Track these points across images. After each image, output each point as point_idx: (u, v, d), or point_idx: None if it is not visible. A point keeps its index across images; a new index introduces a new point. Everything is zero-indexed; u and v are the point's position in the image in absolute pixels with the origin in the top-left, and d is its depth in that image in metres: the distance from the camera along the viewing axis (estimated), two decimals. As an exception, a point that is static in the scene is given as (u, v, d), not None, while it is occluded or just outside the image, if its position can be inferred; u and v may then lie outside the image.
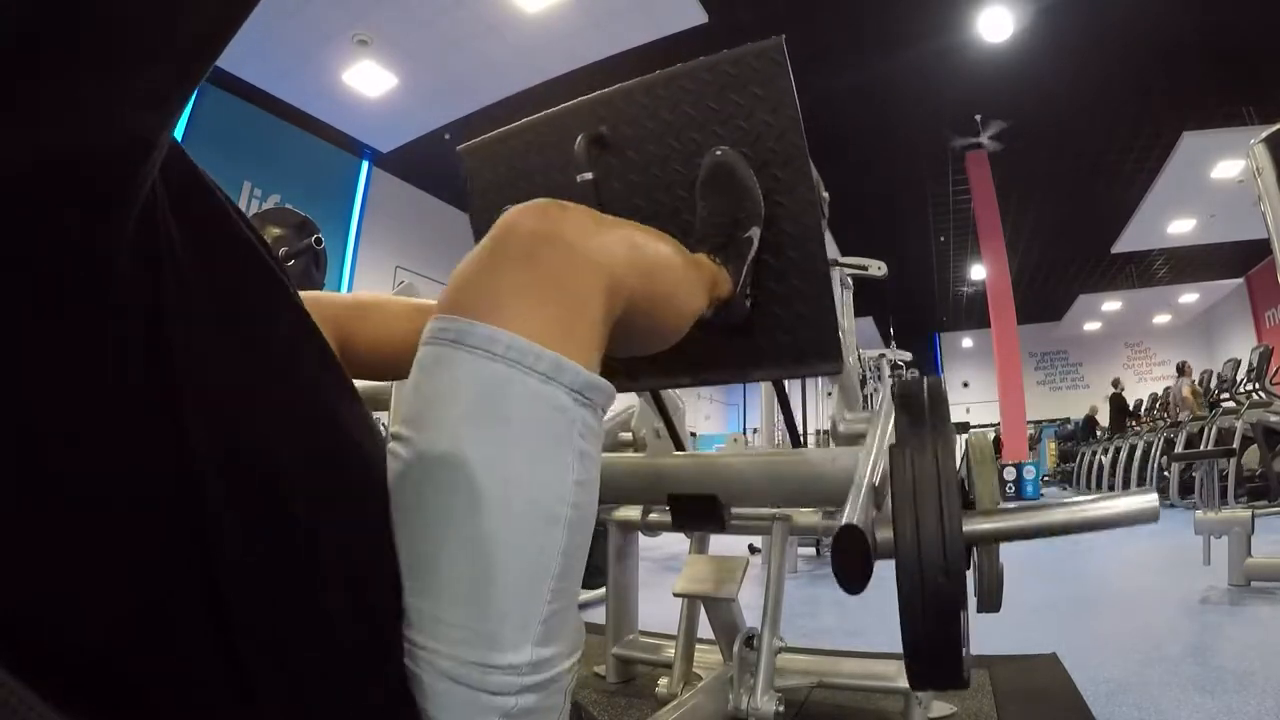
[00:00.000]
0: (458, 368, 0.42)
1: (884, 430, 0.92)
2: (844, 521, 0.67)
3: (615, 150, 0.96)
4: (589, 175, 0.94)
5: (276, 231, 1.83)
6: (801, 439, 1.74)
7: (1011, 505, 0.76)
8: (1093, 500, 0.72)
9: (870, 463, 0.83)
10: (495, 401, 0.42)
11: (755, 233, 0.86)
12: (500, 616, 0.41)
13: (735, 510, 1.43)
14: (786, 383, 1.14)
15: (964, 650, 0.68)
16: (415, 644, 0.41)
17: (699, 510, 1.03)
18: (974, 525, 0.69)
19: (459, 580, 0.41)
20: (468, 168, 1.10)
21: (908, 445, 0.71)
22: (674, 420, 1.27)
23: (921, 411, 0.76)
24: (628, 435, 1.39)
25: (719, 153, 0.88)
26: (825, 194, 0.96)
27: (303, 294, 0.66)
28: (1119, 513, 0.70)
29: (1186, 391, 6.83)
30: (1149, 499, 0.69)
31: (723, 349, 0.93)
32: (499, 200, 1.06)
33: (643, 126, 0.94)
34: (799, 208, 0.87)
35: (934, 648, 0.66)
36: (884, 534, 0.68)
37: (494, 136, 1.07)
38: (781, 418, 1.25)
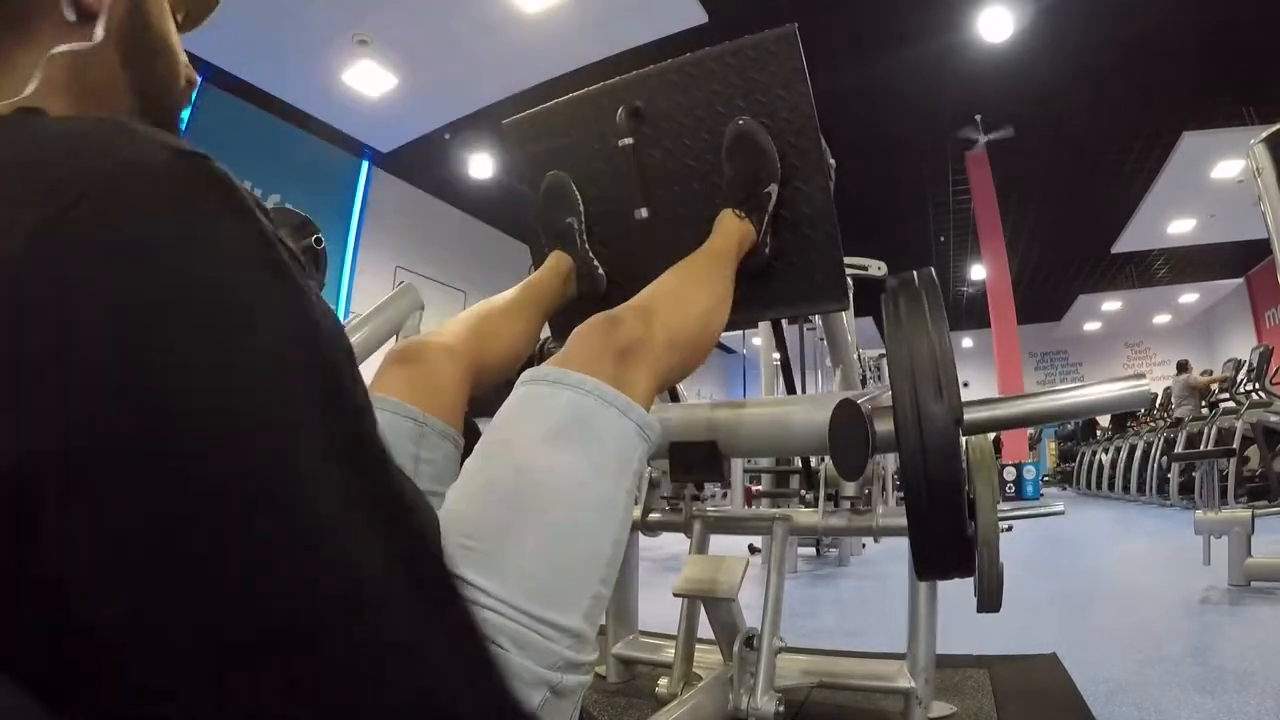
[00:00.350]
0: (555, 398, 0.55)
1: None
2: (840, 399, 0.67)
3: (651, 122, 1.09)
4: (629, 140, 1.07)
5: (276, 231, 1.83)
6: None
7: (1004, 396, 0.76)
8: (1085, 386, 0.73)
9: (871, 394, 0.88)
10: (585, 423, 0.54)
11: (774, 189, 1.01)
12: (565, 579, 0.49)
13: (735, 512, 1.43)
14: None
15: (968, 525, 0.68)
16: (484, 590, 0.45)
17: (699, 458, 1.07)
18: (972, 412, 0.70)
19: (540, 543, 0.49)
20: (511, 140, 1.22)
21: (903, 327, 0.72)
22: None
23: (917, 297, 0.77)
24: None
25: (741, 122, 1.01)
26: (832, 160, 1.07)
27: (443, 342, 0.78)
28: (1111, 397, 0.71)
29: (1199, 380, 6.81)
30: (1140, 383, 0.69)
31: (747, 291, 1.03)
32: (546, 167, 1.19)
33: (675, 101, 1.07)
34: (810, 170, 1.01)
35: (937, 516, 0.66)
36: (883, 426, 0.68)
37: (535, 113, 1.19)
38: (781, 387, 1.28)
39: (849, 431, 0.67)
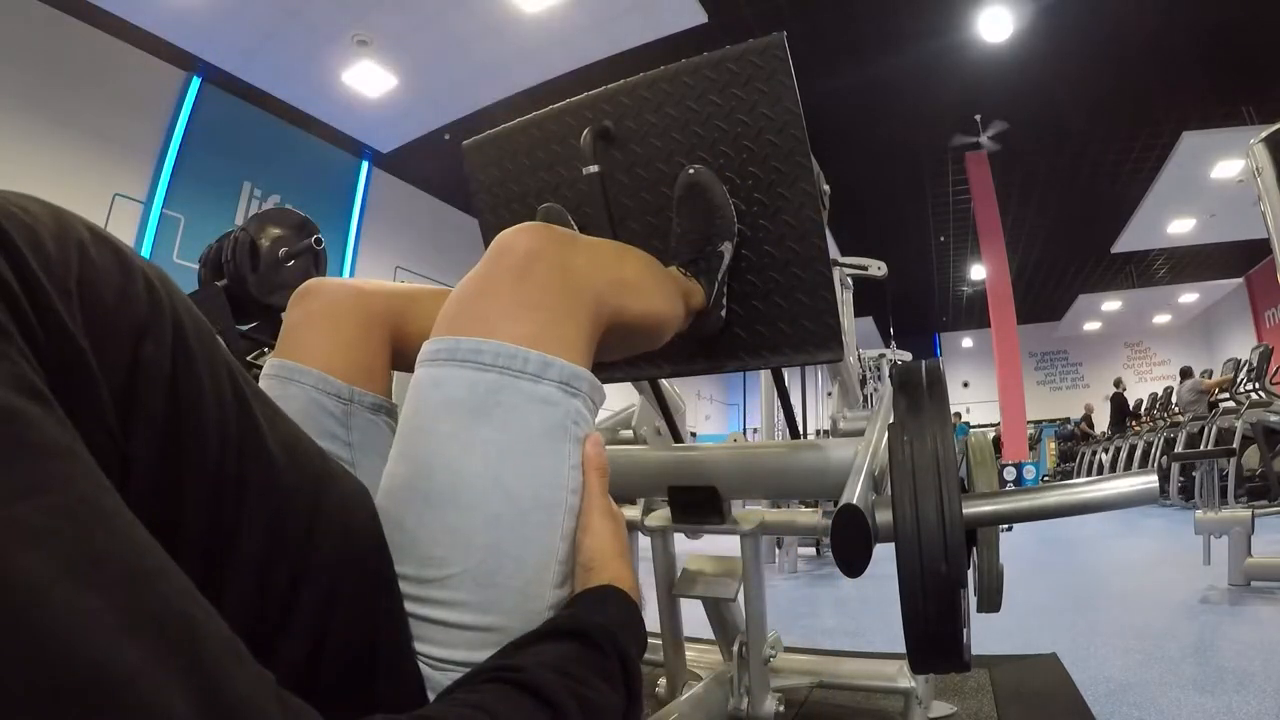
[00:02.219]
0: (451, 383, 0.45)
1: (884, 422, 0.92)
2: (843, 502, 0.67)
3: (620, 145, 0.98)
4: (595, 168, 0.96)
5: (276, 232, 1.83)
6: (802, 434, 1.74)
7: (1010, 489, 0.76)
8: (1092, 482, 0.72)
9: (870, 450, 0.83)
10: (489, 408, 0.45)
11: (727, 248, 0.89)
12: (510, 612, 0.43)
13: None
14: (786, 378, 1.13)
15: (964, 633, 0.67)
16: (427, 657, 0.42)
17: (698, 502, 1.02)
18: (973, 507, 0.69)
19: (471, 583, 0.43)
20: (472, 164, 1.10)
21: (906, 428, 0.71)
22: (673, 413, 1.27)
23: (920, 394, 0.76)
24: (628, 433, 1.39)
25: (691, 171, 0.90)
26: (826, 187, 0.97)
27: (353, 283, 0.68)
28: (1117, 494, 0.70)
29: (1208, 383, 6.81)
30: (1148, 480, 0.69)
31: (725, 338, 0.95)
32: (506, 195, 1.07)
33: (647, 121, 0.96)
34: (799, 200, 0.89)
35: (935, 630, 0.66)
36: (884, 517, 0.68)
37: (498, 132, 1.08)
38: (781, 415, 1.25)
39: (851, 535, 0.66)
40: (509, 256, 0.50)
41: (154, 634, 0.23)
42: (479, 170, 1.10)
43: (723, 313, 0.91)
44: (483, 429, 0.44)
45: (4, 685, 0.19)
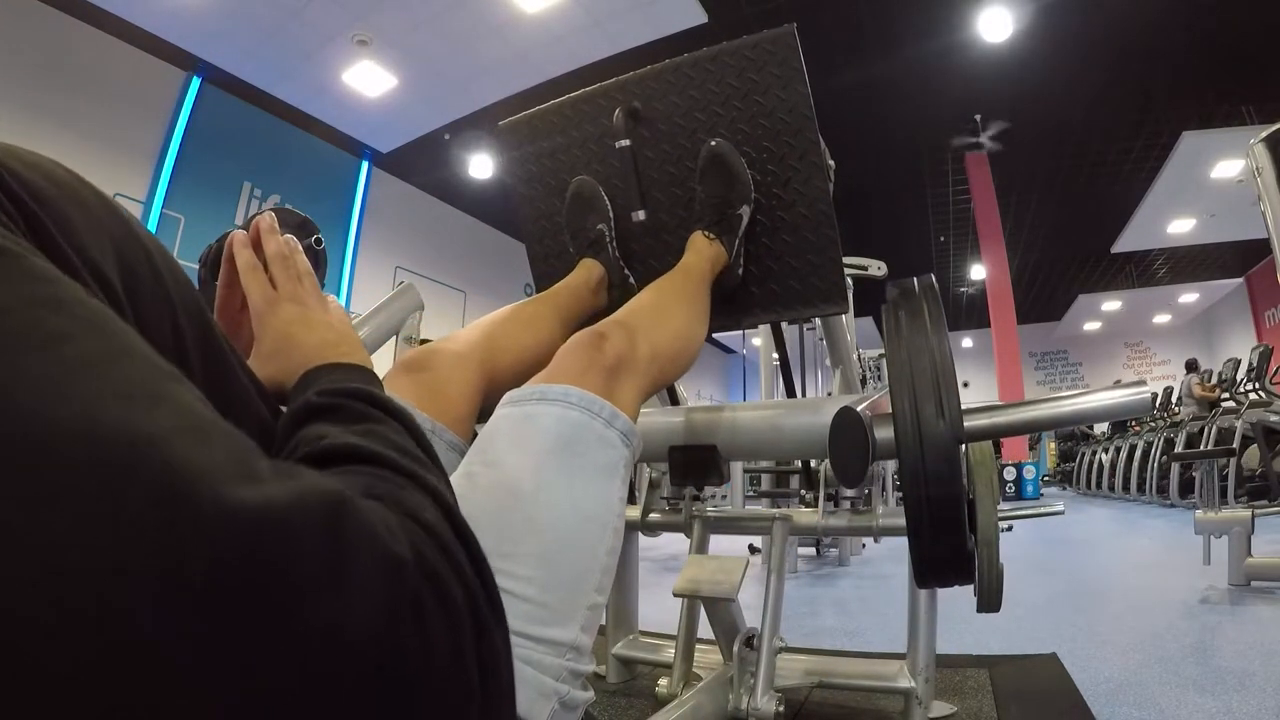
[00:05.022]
0: (542, 417, 0.56)
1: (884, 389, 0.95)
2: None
3: (648, 123, 1.08)
4: (626, 142, 1.06)
5: (276, 232, 1.83)
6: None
7: (1005, 404, 0.76)
8: (1086, 393, 0.72)
9: (869, 402, 0.86)
10: (572, 438, 0.55)
11: (745, 210, 1.00)
12: (563, 597, 0.50)
13: (736, 512, 1.43)
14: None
15: (968, 539, 0.68)
16: None
17: (699, 461, 1.06)
18: (973, 420, 0.69)
19: (539, 563, 0.49)
20: (506, 143, 1.20)
21: (904, 334, 0.72)
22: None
23: (917, 303, 0.76)
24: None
25: (713, 143, 1.00)
26: (831, 162, 1.06)
27: (454, 349, 0.78)
28: (1111, 404, 0.70)
29: (1201, 392, 6.83)
30: (1139, 390, 0.69)
31: (742, 295, 1.04)
32: (540, 170, 1.17)
33: (672, 102, 1.06)
34: (809, 171, 0.99)
35: (937, 531, 0.66)
36: (884, 435, 0.67)
37: (532, 113, 1.18)
38: (781, 388, 1.27)
39: (849, 440, 0.66)
40: (574, 355, 0.63)
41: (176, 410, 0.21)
42: (513, 148, 1.19)
43: (740, 270, 1.02)
44: (566, 453, 0.54)
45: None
